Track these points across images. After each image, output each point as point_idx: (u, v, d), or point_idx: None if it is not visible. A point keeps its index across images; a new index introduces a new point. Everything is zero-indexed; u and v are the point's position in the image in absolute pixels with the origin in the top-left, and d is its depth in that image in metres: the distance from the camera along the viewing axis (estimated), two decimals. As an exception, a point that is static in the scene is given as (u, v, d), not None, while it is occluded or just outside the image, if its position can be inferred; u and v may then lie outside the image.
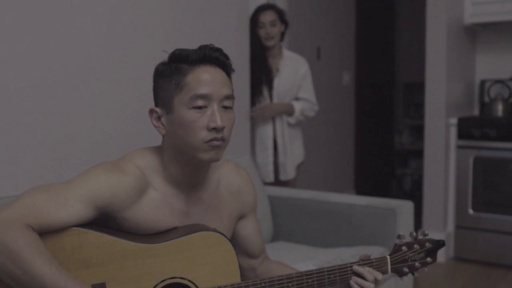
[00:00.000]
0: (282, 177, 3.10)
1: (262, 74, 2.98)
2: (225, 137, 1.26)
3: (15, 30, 1.81)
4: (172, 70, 1.26)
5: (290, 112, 3.03)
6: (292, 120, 3.05)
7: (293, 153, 3.12)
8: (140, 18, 2.25)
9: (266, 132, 3.04)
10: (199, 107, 1.23)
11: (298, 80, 3.04)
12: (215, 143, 1.24)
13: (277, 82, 3.00)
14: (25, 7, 1.82)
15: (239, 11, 2.86)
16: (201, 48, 1.27)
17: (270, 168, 3.04)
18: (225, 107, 1.27)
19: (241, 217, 1.49)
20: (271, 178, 3.06)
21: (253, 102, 2.99)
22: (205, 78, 1.24)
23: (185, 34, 2.46)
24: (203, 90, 1.23)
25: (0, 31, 1.76)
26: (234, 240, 1.51)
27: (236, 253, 1.50)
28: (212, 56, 1.27)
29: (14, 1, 1.79)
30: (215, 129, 1.23)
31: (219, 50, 1.29)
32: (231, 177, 1.44)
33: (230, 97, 1.28)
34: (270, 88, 3.01)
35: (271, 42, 2.94)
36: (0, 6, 1.76)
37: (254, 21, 2.92)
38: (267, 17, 2.91)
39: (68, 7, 1.96)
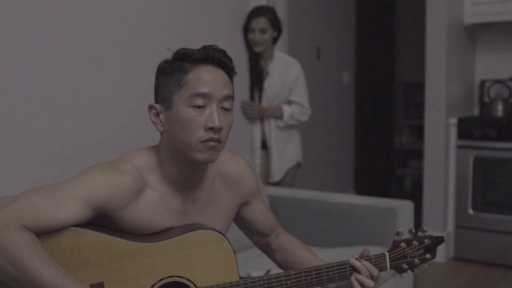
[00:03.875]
0: (268, 179, 3.07)
1: (252, 76, 2.97)
2: (222, 139, 1.25)
3: (16, 31, 1.81)
4: (174, 68, 1.26)
5: (278, 116, 3.01)
6: (281, 124, 3.02)
7: (283, 156, 3.08)
8: (139, 19, 2.25)
9: (254, 134, 3.02)
10: (198, 106, 1.23)
11: (289, 83, 3.00)
12: (211, 143, 1.23)
13: (267, 85, 2.98)
14: (25, 7, 1.83)
15: (239, 12, 2.86)
16: (205, 48, 1.27)
17: (258, 170, 3.01)
18: (224, 109, 1.26)
19: (243, 204, 1.47)
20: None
21: None
22: (206, 77, 1.24)
23: (185, 35, 2.46)
24: (203, 89, 1.23)
25: (1, 31, 1.77)
26: (243, 223, 1.51)
27: (249, 234, 1.53)
28: (215, 57, 1.27)
29: (15, 1, 1.80)
30: (212, 129, 1.22)
31: (222, 51, 1.29)
32: (227, 167, 1.42)
33: (230, 98, 1.27)
34: (260, 90, 2.99)
35: (259, 48, 2.91)
36: (0, 6, 1.76)
37: (246, 24, 2.91)
38: (258, 24, 2.87)
39: (68, 8, 1.96)
